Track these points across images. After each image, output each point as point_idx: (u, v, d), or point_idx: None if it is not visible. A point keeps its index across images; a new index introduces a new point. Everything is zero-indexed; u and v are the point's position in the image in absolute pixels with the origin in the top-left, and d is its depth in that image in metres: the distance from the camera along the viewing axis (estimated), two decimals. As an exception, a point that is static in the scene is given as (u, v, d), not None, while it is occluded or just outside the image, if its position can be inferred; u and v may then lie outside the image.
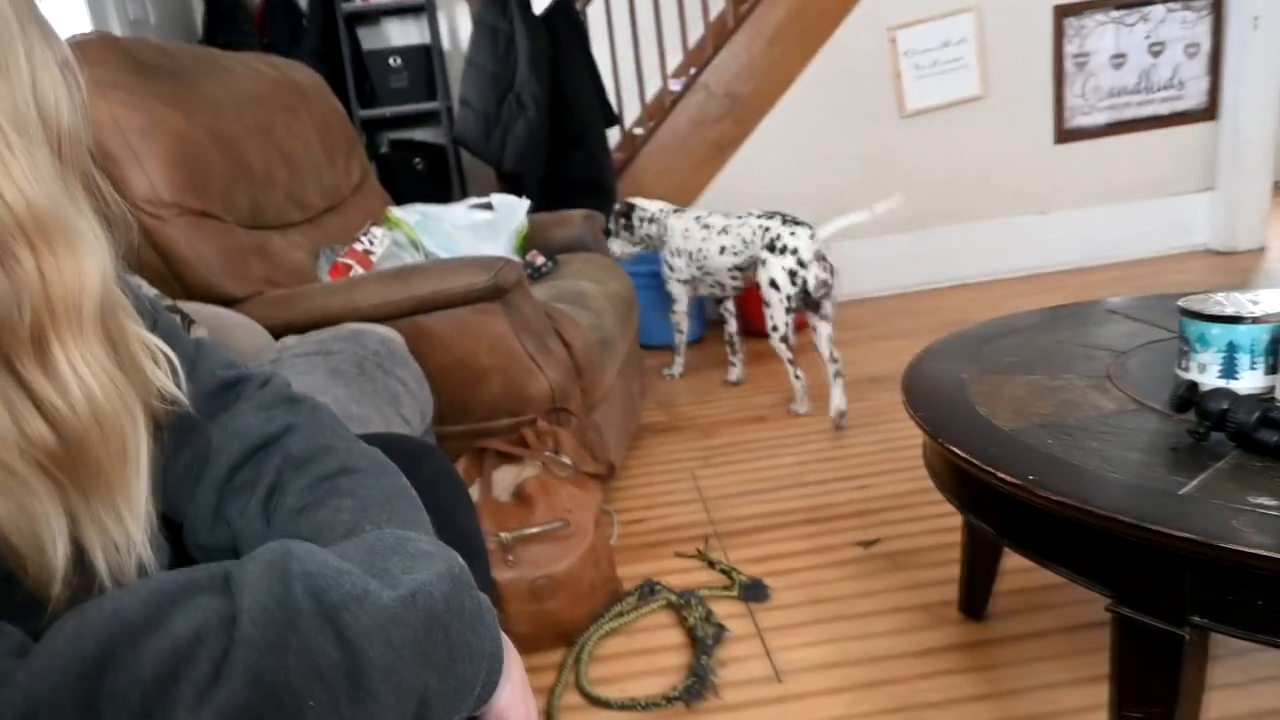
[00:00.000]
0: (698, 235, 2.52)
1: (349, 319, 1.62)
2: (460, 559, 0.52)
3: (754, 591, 1.55)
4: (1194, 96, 3.49)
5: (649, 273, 3.05)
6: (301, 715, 0.41)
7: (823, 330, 2.32)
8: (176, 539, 0.70)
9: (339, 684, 0.42)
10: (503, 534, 1.42)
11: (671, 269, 2.64)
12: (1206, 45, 3.44)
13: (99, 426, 0.50)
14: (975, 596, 1.39)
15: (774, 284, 2.28)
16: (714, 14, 3.38)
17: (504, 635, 0.58)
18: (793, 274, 2.25)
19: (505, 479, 1.57)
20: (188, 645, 0.40)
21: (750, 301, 3.18)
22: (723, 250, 2.46)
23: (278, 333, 1.61)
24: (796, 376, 2.42)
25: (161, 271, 1.69)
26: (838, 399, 2.29)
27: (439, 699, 0.48)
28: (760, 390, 2.66)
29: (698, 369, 2.98)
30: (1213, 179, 3.54)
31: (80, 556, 0.50)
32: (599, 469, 1.61)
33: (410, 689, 0.45)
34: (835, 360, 2.30)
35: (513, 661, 0.58)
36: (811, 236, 2.28)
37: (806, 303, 2.30)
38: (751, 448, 2.23)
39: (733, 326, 2.74)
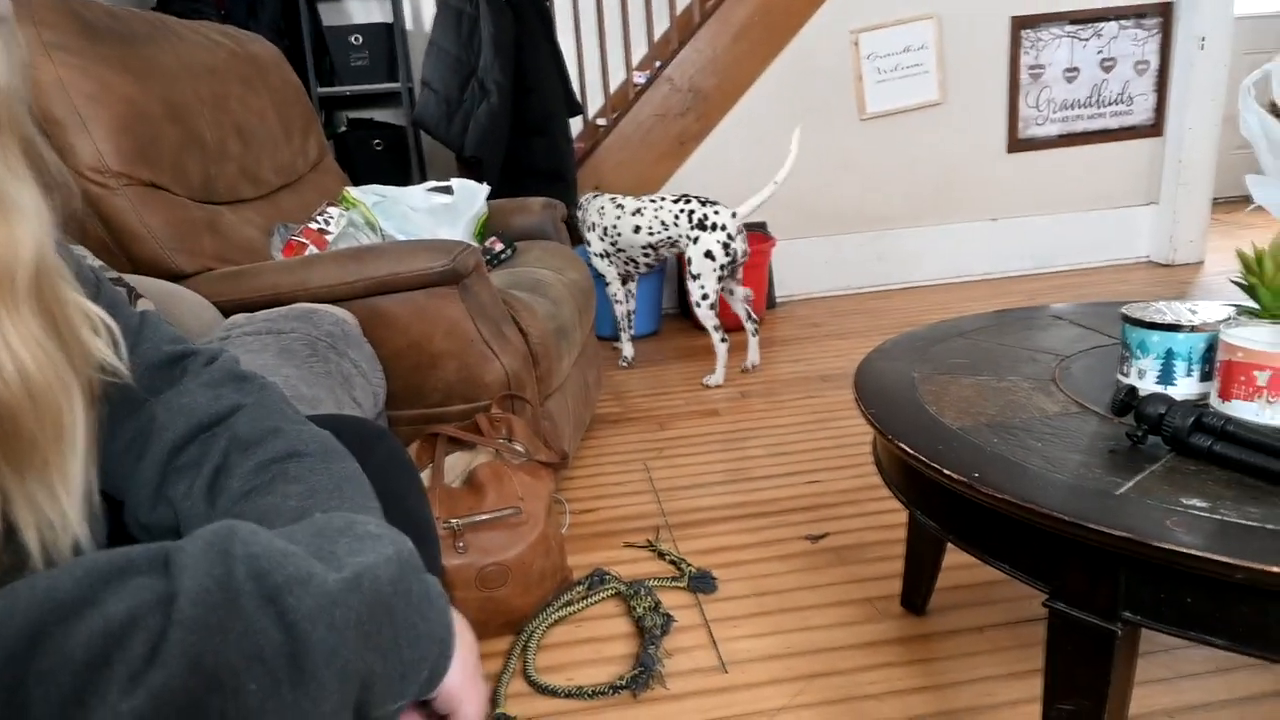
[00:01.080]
0: (612, 213, 2.74)
1: (301, 299, 1.59)
2: (409, 542, 0.52)
3: (702, 582, 1.56)
4: (1142, 112, 3.59)
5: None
6: (241, 698, 0.40)
7: (739, 292, 2.71)
8: (116, 516, 0.68)
9: (280, 667, 0.42)
10: (453, 520, 1.41)
11: (589, 244, 2.84)
12: (1155, 63, 3.54)
13: (32, 400, 0.49)
14: (917, 591, 1.42)
15: (709, 255, 2.55)
16: (680, 7, 3.38)
17: (458, 616, 0.57)
18: (726, 246, 2.55)
19: (457, 465, 1.56)
20: (122, 626, 0.39)
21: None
22: (637, 230, 2.70)
23: (227, 310, 1.58)
24: (723, 339, 2.64)
25: (107, 243, 1.64)
26: (753, 353, 2.76)
27: (383, 682, 0.48)
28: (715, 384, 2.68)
29: (653, 361, 2.99)
30: (1157, 193, 3.65)
31: (11, 534, 0.49)
32: (552, 457, 1.61)
33: (353, 672, 0.45)
34: (753, 320, 2.75)
35: (464, 644, 0.58)
36: (733, 215, 2.58)
37: (732, 271, 2.62)
38: (705, 441, 2.24)
39: (630, 306, 2.93)
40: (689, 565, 1.62)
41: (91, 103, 1.59)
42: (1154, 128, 3.60)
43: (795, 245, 3.45)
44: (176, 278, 1.65)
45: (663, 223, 2.63)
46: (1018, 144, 3.54)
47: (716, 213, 2.56)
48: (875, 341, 2.94)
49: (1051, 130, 3.56)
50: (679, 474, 2.05)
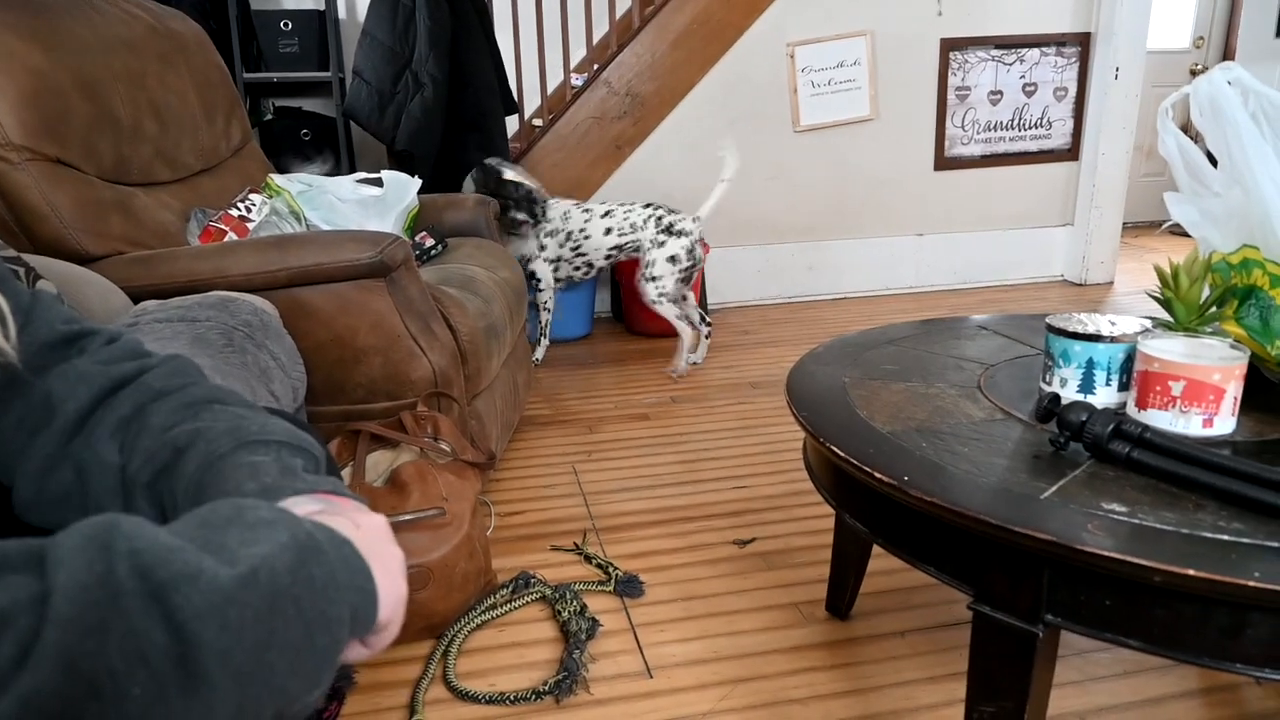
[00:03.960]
0: (579, 217, 2.81)
1: (219, 287, 1.52)
2: (304, 523, 0.48)
3: (629, 587, 1.55)
4: (1060, 137, 3.74)
5: (540, 264, 3.02)
6: (123, 705, 0.37)
7: (692, 298, 2.87)
8: None
9: (166, 671, 0.38)
10: (374, 520, 1.36)
11: (542, 248, 2.84)
12: (1073, 90, 3.69)
13: None
14: (842, 596, 1.43)
15: (673, 259, 2.71)
16: (620, 11, 3.38)
17: (372, 522, 0.53)
18: (690, 250, 2.72)
19: (380, 464, 1.51)
20: None
21: (636, 295, 3.20)
22: (608, 231, 2.80)
23: (137, 297, 1.49)
24: (690, 323, 2.78)
25: (6, 220, 1.54)
26: (702, 351, 2.90)
27: (295, 678, 0.44)
28: (645, 389, 2.67)
29: (583, 364, 2.97)
30: (1072, 215, 3.81)
31: None
32: (479, 457, 1.57)
33: (252, 674, 0.41)
34: (707, 323, 2.93)
35: (386, 559, 0.53)
36: (696, 219, 2.74)
37: (688, 277, 2.76)
38: (634, 445, 2.23)
39: (549, 315, 2.96)
40: (616, 569, 1.60)
41: (-7, 72, 1.49)
42: (1070, 152, 3.75)
43: (728, 253, 3.48)
44: (83, 260, 1.55)
45: (632, 225, 2.77)
46: (944, 162, 3.64)
47: (682, 220, 2.74)
48: (805, 350, 2.97)
49: (975, 150, 3.67)
50: (607, 478, 2.04)
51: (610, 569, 1.60)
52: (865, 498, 0.98)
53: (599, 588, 1.55)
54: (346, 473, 1.47)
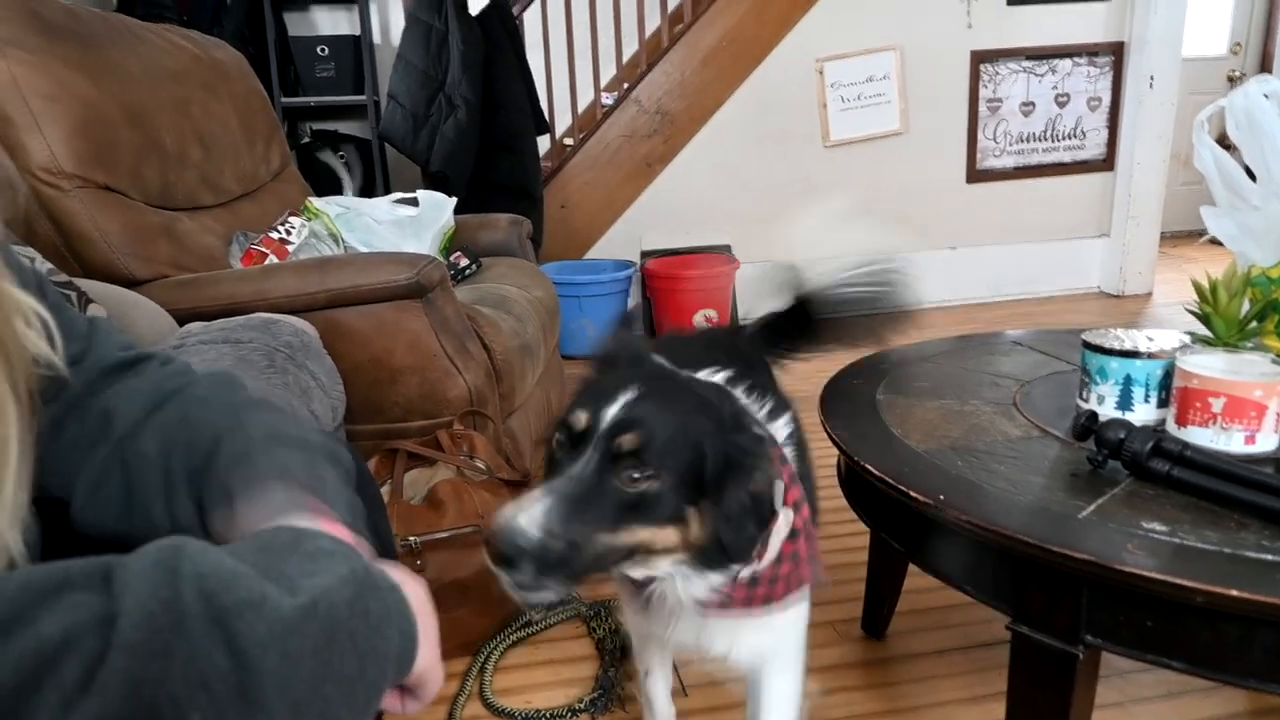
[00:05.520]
0: None
1: (260, 309, 1.56)
2: (361, 557, 0.50)
3: (664, 604, 1.55)
4: (1094, 147, 3.70)
5: (571, 282, 3.05)
6: None
7: None
8: (51, 519, 0.65)
9: (226, 697, 0.39)
10: (411, 538, 1.38)
11: None
12: (1107, 100, 3.65)
13: None
14: (878, 615, 1.42)
15: None
16: (649, 30, 3.41)
17: (416, 588, 0.54)
18: None
19: (417, 482, 1.53)
20: (55, 648, 0.37)
21: (667, 311, 3.22)
22: None
23: (182, 319, 1.53)
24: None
25: (58, 245, 1.59)
26: None
27: (344, 708, 0.46)
28: (677, 405, 2.67)
29: (616, 381, 2.97)
30: (1108, 226, 3.76)
31: None
32: (514, 476, 1.59)
33: (307, 704, 0.42)
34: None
35: (426, 627, 0.55)
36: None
37: None
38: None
39: None
40: (650, 586, 1.60)
41: (46, 102, 1.55)
42: (1105, 162, 3.71)
43: (759, 268, 3.47)
44: (130, 283, 1.60)
45: None
46: (976, 174, 3.62)
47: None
48: (839, 364, 2.96)
49: (1008, 162, 3.65)
50: (641, 494, 2.04)
51: (644, 586, 1.60)
52: (901, 516, 0.98)
53: (633, 605, 1.56)
54: (385, 490, 1.49)
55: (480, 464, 1.56)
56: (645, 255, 3.42)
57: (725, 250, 3.45)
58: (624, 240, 3.44)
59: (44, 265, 1.34)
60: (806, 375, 2.86)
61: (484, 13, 3.04)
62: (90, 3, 3.39)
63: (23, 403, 0.53)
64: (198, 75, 1.97)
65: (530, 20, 3.36)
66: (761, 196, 3.48)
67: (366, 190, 3.74)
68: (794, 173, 3.47)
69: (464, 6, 2.93)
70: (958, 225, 3.65)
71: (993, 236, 3.69)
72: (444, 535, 1.39)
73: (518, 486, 1.60)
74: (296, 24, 3.75)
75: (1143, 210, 3.66)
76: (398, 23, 3.75)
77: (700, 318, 3.16)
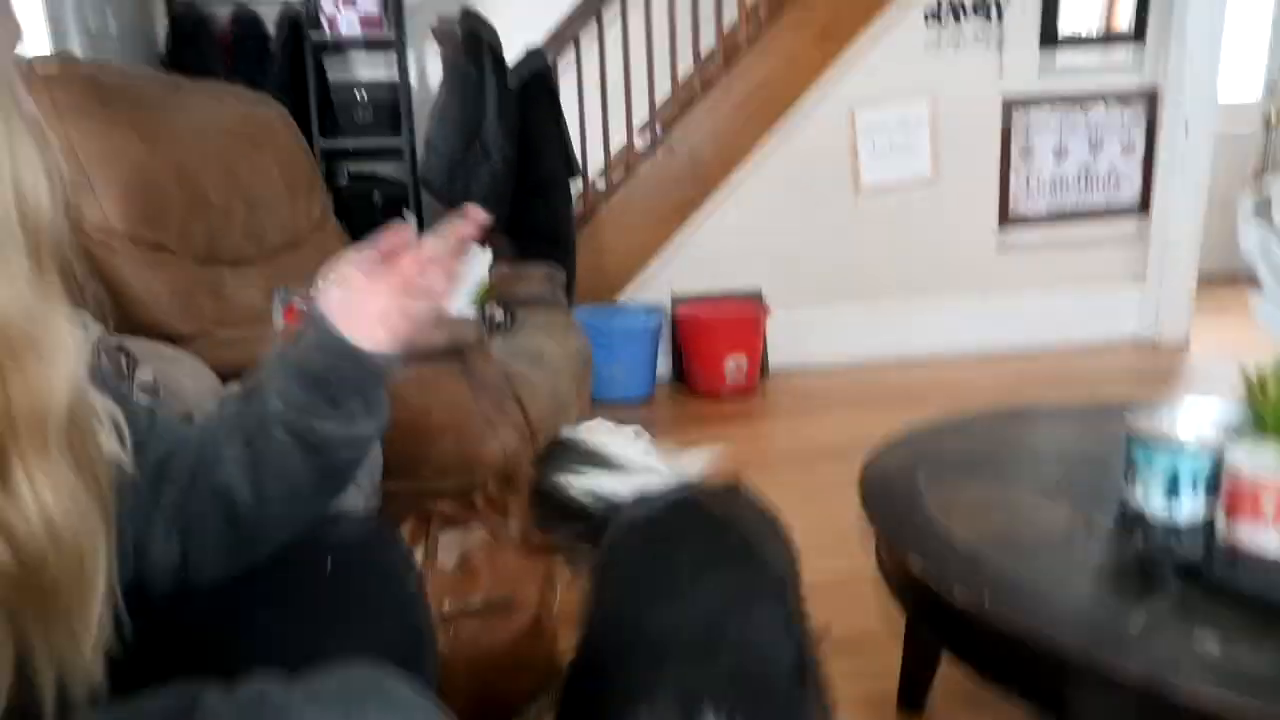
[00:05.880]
0: None
1: (301, 368, 1.58)
2: (437, 713, 0.51)
3: (696, 670, 1.53)
4: (1128, 192, 3.67)
5: (603, 327, 3.06)
6: None
7: None
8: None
9: None
10: (445, 607, 1.38)
11: None
12: (1141, 145, 3.63)
13: (57, 549, 0.48)
14: (915, 690, 1.40)
15: None
16: (682, 71, 3.44)
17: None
18: None
19: (451, 544, 1.54)
20: None
21: (698, 356, 3.22)
22: None
23: (225, 376, 1.56)
24: None
25: (106, 303, 1.63)
26: None
27: None
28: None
29: (647, 427, 2.96)
30: (1143, 272, 3.72)
31: (24, 677, 0.48)
32: (547, 541, 1.59)
33: None
34: None
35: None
36: None
37: None
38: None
39: None
40: (683, 651, 1.59)
41: (101, 164, 1.60)
42: (1141, 208, 3.67)
43: (789, 314, 3.47)
44: (175, 340, 1.64)
45: None
46: (1008, 220, 3.60)
47: None
48: (870, 416, 2.94)
49: (1041, 208, 3.63)
50: (672, 549, 2.03)
51: (677, 650, 1.59)
52: (943, 611, 0.97)
53: (666, 670, 1.54)
54: (419, 553, 1.50)
55: (514, 526, 1.56)
56: (676, 299, 3.44)
57: (756, 295, 3.45)
58: (655, 284, 3.45)
59: (95, 329, 1.37)
60: (837, 426, 2.85)
61: (520, 62, 3.10)
62: (139, 50, 3.50)
63: (111, 525, 0.54)
64: (244, 132, 2.02)
65: (564, 65, 3.41)
66: (792, 242, 3.48)
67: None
68: (825, 219, 3.48)
69: (499, 56, 2.98)
70: (990, 271, 3.63)
71: (1025, 283, 3.66)
72: (477, 605, 1.39)
73: (549, 551, 1.61)
74: (336, 68, 3.83)
75: (1179, 256, 3.62)
76: (434, 69, 3.81)
77: (731, 364, 3.16)
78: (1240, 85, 4.71)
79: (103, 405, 0.61)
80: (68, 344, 0.50)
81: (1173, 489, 0.99)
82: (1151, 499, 0.99)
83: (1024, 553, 0.93)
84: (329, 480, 0.75)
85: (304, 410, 0.69)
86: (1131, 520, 0.92)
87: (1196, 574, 0.84)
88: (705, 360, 3.22)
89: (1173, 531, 0.86)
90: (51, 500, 0.47)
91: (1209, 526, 0.97)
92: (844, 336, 3.58)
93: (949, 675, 1.47)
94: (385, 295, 0.72)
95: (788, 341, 3.51)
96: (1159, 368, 3.40)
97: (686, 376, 3.35)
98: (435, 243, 0.77)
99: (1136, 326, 3.76)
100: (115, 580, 0.56)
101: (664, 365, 3.49)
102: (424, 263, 0.75)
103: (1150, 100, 3.57)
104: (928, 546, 0.95)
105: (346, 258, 0.75)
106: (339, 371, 0.70)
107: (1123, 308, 3.74)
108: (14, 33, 0.54)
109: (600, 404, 3.13)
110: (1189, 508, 0.98)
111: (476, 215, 0.80)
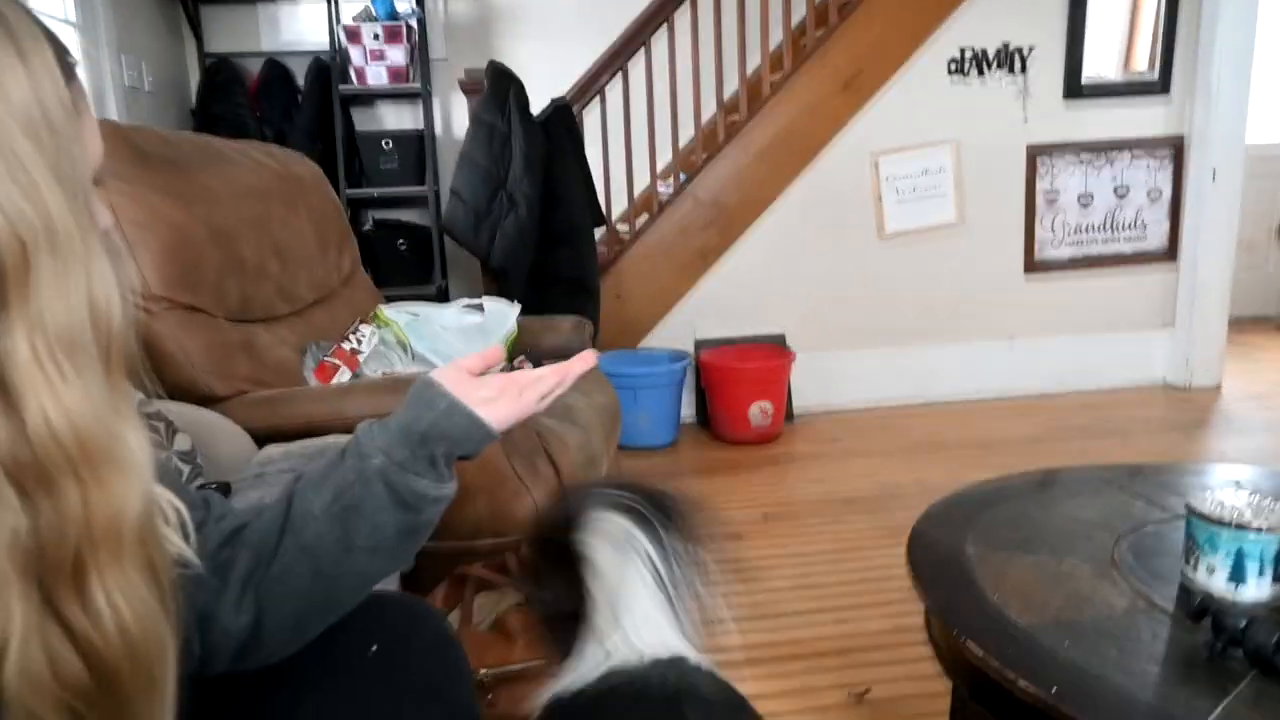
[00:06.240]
0: None
1: (336, 429, 1.58)
2: None
3: (735, 740, 1.50)
4: (1155, 238, 3.65)
5: (627, 374, 3.05)
6: None
7: None
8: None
9: None
10: (482, 671, 1.36)
11: None
12: (1168, 192, 3.62)
13: (131, 658, 0.48)
14: (962, 762, 1.36)
15: None
16: (705, 117, 3.46)
17: None
18: None
19: (486, 606, 1.52)
20: None
21: (722, 402, 3.20)
22: None
23: (260, 438, 1.56)
24: None
25: (141, 367, 1.64)
26: None
27: None
28: (735, 503, 2.64)
29: (670, 474, 2.96)
30: (1172, 317, 3.68)
31: None
32: (582, 602, 1.56)
33: None
34: None
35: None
36: None
37: None
38: (729, 568, 2.19)
39: None
40: (719, 718, 1.55)
41: (139, 229, 1.61)
42: (1168, 254, 3.65)
43: (814, 358, 3.46)
44: (209, 401, 1.64)
45: None
46: (1034, 266, 3.58)
47: None
48: (897, 463, 2.91)
49: (1066, 253, 3.61)
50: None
51: (713, 718, 1.56)
52: (1003, 696, 0.94)
53: (703, 739, 1.51)
54: (455, 617, 1.48)
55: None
56: (699, 345, 3.43)
57: (780, 340, 3.44)
58: (678, 329, 3.45)
59: (135, 396, 1.37)
60: (865, 471, 2.82)
61: (546, 114, 3.13)
62: (172, 103, 3.56)
63: (178, 628, 0.53)
64: (278, 191, 2.04)
65: (590, 115, 3.44)
66: (816, 288, 3.48)
67: (424, 273, 3.83)
68: (849, 264, 3.48)
69: (526, 107, 3.02)
70: (1016, 316, 3.61)
71: (1052, 328, 3.63)
72: (515, 669, 1.37)
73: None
74: (363, 119, 3.90)
75: (1209, 302, 3.58)
76: (459, 118, 3.87)
77: (756, 410, 3.14)
78: (1264, 127, 4.69)
79: (167, 500, 0.60)
80: (141, 453, 0.50)
81: (1239, 573, 0.96)
82: (1215, 583, 0.96)
83: (1088, 639, 0.90)
84: (410, 538, 0.78)
85: (404, 466, 0.74)
86: (1197, 607, 0.89)
87: (1268, 664, 0.81)
88: (730, 406, 3.20)
89: (1242, 619, 0.83)
90: (127, 612, 0.47)
91: (1277, 607, 0.94)
92: (869, 381, 3.56)
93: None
94: (499, 384, 0.80)
95: (813, 386, 3.49)
96: (1190, 413, 3.35)
97: (711, 422, 3.33)
98: (546, 369, 0.84)
99: (1165, 372, 3.72)
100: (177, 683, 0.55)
101: (687, 410, 3.48)
102: (534, 377, 0.83)
103: (1176, 148, 3.56)
104: (985, 629, 0.92)
105: (454, 360, 0.84)
106: (443, 431, 0.76)
107: (1152, 353, 3.70)
108: (96, 151, 0.55)
109: (625, 450, 3.12)
110: (1255, 593, 0.95)
111: (590, 359, 0.85)
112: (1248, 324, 4.79)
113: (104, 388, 0.49)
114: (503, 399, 0.80)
